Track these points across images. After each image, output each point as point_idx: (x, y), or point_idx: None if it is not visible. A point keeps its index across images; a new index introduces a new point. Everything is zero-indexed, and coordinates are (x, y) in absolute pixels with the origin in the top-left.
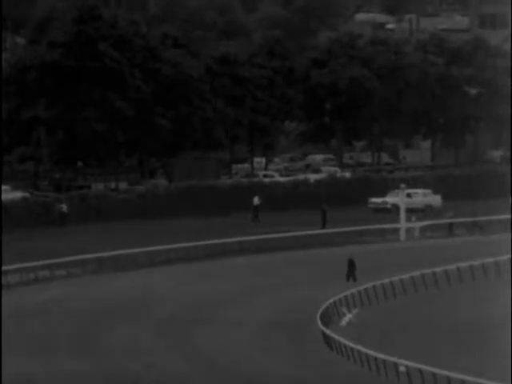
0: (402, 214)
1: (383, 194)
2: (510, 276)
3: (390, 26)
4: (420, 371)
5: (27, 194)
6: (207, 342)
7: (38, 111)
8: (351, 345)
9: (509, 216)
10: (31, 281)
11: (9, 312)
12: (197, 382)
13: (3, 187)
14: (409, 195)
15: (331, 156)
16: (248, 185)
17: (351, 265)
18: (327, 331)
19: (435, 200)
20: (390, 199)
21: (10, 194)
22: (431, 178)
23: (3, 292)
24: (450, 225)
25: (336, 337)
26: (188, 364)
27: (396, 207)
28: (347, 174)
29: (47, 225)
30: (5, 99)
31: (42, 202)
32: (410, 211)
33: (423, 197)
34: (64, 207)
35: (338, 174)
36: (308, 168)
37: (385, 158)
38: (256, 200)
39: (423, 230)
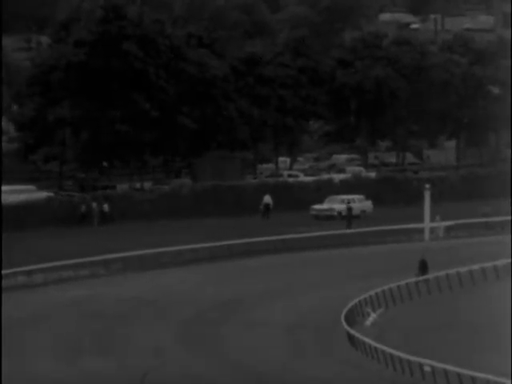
0: (427, 214)
1: (408, 194)
2: None
3: (414, 26)
4: (445, 371)
5: (52, 194)
6: (232, 343)
7: (63, 111)
8: (376, 345)
9: None
10: (56, 281)
11: (33, 312)
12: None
13: (28, 187)
14: (347, 202)
15: (356, 156)
16: (272, 185)
17: (423, 266)
18: (352, 331)
19: (368, 206)
20: (336, 206)
21: (35, 194)
22: (456, 177)
23: (28, 292)
24: (487, 223)
25: (360, 337)
26: (214, 365)
27: (340, 214)
28: (372, 174)
29: (71, 224)
30: (30, 99)
31: (67, 201)
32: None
33: (359, 203)
34: (105, 207)
35: (363, 174)
36: (333, 168)
37: (409, 157)
38: (267, 198)
39: (448, 229)
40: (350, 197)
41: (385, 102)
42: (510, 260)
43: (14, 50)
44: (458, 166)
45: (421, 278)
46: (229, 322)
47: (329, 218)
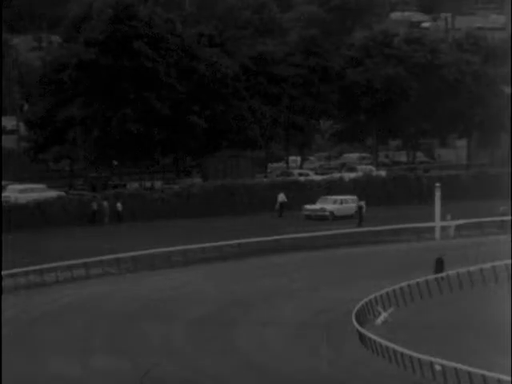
0: (437, 213)
1: (419, 192)
2: None
3: (425, 24)
4: (455, 370)
5: (63, 193)
6: (244, 342)
7: (74, 110)
8: (386, 343)
9: None
10: (68, 279)
11: (44, 310)
12: (236, 383)
13: (39, 186)
14: (341, 202)
15: (367, 155)
16: (283, 183)
17: (440, 264)
18: (362, 330)
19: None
20: (328, 206)
21: (46, 193)
22: (466, 176)
23: (40, 291)
24: (502, 222)
25: (371, 336)
26: (226, 364)
27: (332, 214)
28: (383, 173)
29: (82, 223)
30: (40, 98)
31: (78, 200)
32: (343, 218)
33: (352, 203)
34: (119, 206)
35: (374, 173)
36: (343, 167)
37: (420, 156)
38: (281, 196)
39: (458, 228)
40: (343, 197)
41: (395, 101)
42: None
43: (27, 49)
44: (468, 165)
45: (432, 276)
46: (241, 321)
47: (321, 218)
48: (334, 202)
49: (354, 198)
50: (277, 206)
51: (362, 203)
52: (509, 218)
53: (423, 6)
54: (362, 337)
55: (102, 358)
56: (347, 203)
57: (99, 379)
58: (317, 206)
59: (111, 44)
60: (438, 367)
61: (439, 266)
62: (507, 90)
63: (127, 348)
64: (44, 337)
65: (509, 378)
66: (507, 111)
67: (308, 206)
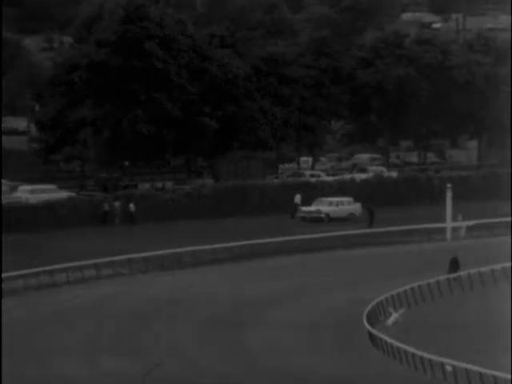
0: (449, 214)
1: (430, 193)
2: None
3: (436, 25)
4: (466, 371)
5: (74, 194)
6: (254, 343)
7: (85, 111)
8: (397, 344)
9: None
10: (79, 280)
11: (55, 311)
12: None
13: (50, 187)
14: (337, 204)
15: (378, 155)
16: (294, 184)
17: (454, 264)
18: (373, 331)
19: (356, 208)
20: (323, 208)
21: (57, 194)
22: (477, 177)
23: (51, 291)
24: None
25: (382, 336)
26: (238, 364)
27: (328, 216)
28: (394, 174)
29: (93, 224)
30: (51, 99)
31: (89, 201)
32: (338, 220)
33: (348, 205)
34: (132, 206)
35: (385, 174)
36: (354, 168)
37: (431, 157)
38: (297, 198)
39: (469, 229)
40: (339, 199)
41: (406, 102)
42: None
43: (38, 50)
44: (479, 166)
45: (443, 277)
46: (251, 322)
47: (316, 220)
48: (330, 203)
49: (350, 199)
50: (294, 207)
51: (358, 204)
52: (509, 218)
53: (434, 6)
54: (372, 337)
55: (111, 358)
56: (343, 205)
57: (107, 380)
58: (312, 208)
59: (122, 45)
60: (448, 368)
61: (453, 266)
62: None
63: (137, 348)
64: (54, 337)
65: None
66: (507, 111)
67: (304, 208)
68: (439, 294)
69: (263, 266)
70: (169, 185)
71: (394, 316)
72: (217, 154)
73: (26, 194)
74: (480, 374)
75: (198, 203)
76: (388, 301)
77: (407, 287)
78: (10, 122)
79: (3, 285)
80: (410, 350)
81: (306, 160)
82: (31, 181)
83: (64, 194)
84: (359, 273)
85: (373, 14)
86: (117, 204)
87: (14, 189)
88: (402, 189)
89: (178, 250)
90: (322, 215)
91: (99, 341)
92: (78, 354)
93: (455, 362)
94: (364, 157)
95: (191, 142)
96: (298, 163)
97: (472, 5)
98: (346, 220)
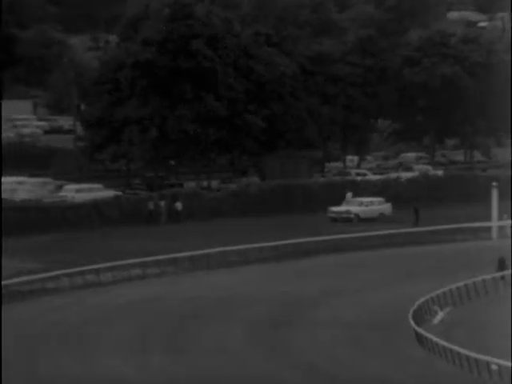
0: (494, 212)
1: (475, 192)
2: None
3: (481, 24)
4: None
5: (120, 193)
6: (301, 343)
7: (131, 110)
8: (443, 343)
9: None
10: (124, 279)
11: (101, 310)
12: None
13: (96, 185)
14: (366, 205)
15: (424, 154)
16: (340, 183)
17: (502, 263)
18: (419, 329)
19: (387, 208)
20: (353, 208)
21: (103, 193)
22: None
23: (97, 290)
24: None
25: (428, 335)
26: (285, 366)
27: (358, 217)
28: (439, 172)
29: (139, 223)
30: (97, 98)
31: (135, 200)
32: (366, 221)
33: (378, 205)
34: (179, 205)
35: (431, 172)
36: (400, 166)
37: (477, 155)
38: (349, 196)
39: None
40: (369, 199)
41: (452, 100)
42: None
43: (84, 49)
44: None
45: (489, 275)
46: (298, 321)
47: (346, 220)
48: (360, 204)
49: (381, 199)
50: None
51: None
52: None
53: (479, 5)
54: (418, 336)
55: (158, 358)
56: (373, 205)
57: (154, 379)
58: (342, 208)
59: (168, 44)
60: (494, 367)
61: (501, 265)
62: None
63: (184, 348)
64: (98, 337)
65: None
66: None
67: (333, 208)
68: (485, 292)
69: (310, 264)
70: (214, 183)
71: (440, 315)
72: (263, 153)
73: (72, 192)
74: None
75: (244, 202)
76: (434, 299)
77: (453, 286)
78: (56, 121)
79: (49, 284)
80: (456, 348)
81: (351, 159)
82: (77, 180)
83: (110, 193)
84: (404, 271)
85: (418, 13)
86: (162, 203)
87: (59, 188)
88: (448, 187)
89: (224, 248)
90: (352, 215)
91: (144, 340)
92: (122, 354)
93: (501, 361)
94: (410, 155)
95: (237, 141)
96: (344, 162)
97: None
98: (376, 220)
